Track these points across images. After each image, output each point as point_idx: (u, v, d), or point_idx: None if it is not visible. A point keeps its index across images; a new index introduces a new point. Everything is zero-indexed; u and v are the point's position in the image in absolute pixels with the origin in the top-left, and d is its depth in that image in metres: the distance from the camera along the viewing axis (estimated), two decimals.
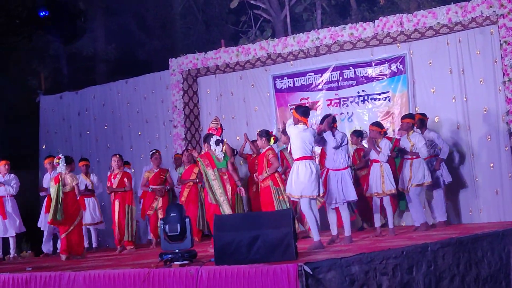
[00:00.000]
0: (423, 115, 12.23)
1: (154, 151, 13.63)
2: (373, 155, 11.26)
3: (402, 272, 8.22)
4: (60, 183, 11.66)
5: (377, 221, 11.35)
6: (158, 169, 13.45)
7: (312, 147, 9.87)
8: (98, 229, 14.34)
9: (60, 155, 11.98)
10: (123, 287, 8.09)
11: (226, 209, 10.55)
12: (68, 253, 11.59)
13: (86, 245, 13.81)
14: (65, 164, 11.75)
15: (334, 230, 10.36)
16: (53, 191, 11.69)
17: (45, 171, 14.20)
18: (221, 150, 10.95)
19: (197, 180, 13.15)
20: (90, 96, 17.30)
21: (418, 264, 8.50)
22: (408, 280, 8.29)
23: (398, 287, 8.11)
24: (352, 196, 10.30)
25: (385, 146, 11.22)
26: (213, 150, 11.01)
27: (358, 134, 12.50)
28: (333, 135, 10.19)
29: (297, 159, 9.75)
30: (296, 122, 9.83)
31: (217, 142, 10.95)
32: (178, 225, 8.29)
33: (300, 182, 9.68)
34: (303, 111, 9.95)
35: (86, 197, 13.77)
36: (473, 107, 12.71)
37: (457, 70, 12.84)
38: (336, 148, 10.22)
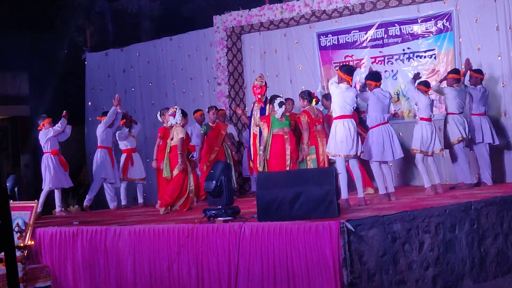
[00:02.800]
0: (475, 71, 12.06)
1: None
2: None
3: (444, 230, 8.23)
4: (170, 137, 11.58)
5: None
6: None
7: (353, 107, 9.87)
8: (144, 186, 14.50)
9: (175, 106, 11.99)
10: (167, 242, 8.23)
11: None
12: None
13: (124, 201, 14.05)
14: (181, 115, 11.56)
15: (381, 189, 10.32)
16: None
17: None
18: (284, 111, 11.28)
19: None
20: (135, 53, 17.40)
21: (461, 222, 8.50)
22: (451, 238, 8.30)
23: (440, 245, 8.13)
24: (370, 155, 10.29)
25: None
26: (276, 111, 11.25)
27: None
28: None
29: (336, 118, 9.74)
30: (340, 80, 9.81)
31: (281, 104, 11.22)
32: (213, 182, 8.39)
33: (338, 141, 9.69)
34: (347, 69, 9.95)
35: (133, 152, 13.99)
36: None
37: (504, 27, 12.61)
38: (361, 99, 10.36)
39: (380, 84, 10.42)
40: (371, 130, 10.26)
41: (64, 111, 12.99)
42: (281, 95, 14.48)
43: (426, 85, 11.47)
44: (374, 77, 10.46)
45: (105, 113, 13.90)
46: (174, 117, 11.49)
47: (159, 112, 12.56)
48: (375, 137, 10.18)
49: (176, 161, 11.31)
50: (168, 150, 11.51)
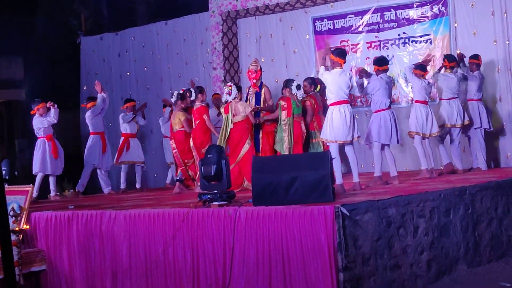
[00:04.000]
0: (472, 57, 12.10)
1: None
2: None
3: (439, 214, 8.26)
4: (230, 113, 11.46)
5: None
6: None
7: (348, 91, 9.86)
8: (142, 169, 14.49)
9: (230, 83, 11.94)
10: (162, 226, 8.24)
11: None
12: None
13: (123, 185, 14.04)
14: (237, 92, 11.59)
15: (377, 171, 10.40)
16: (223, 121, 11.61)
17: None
18: (301, 94, 11.32)
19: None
20: (130, 37, 17.36)
21: (456, 207, 8.53)
22: (445, 222, 8.33)
23: (435, 230, 8.16)
24: (376, 137, 10.43)
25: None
26: (294, 94, 11.27)
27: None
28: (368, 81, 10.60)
29: (332, 104, 9.72)
30: (332, 64, 9.79)
31: (298, 87, 11.25)
32: (214, 166, 8.33)
33: (334, 127, 9.68)
34: (340, 52, 9.98)
35: (131, 137, 13.99)
36: None
37: (500, 12, 12.61)
38: (364, 93, 10.70)
39: (387, 69, 10.55)
40: (378, 114, 10.40)
41: (50, 102, 12.90)
42: (276, 80, 14.56)
43: (422, 69, 11.47)
44: (381, 62, 10.66)
45: (89, 99, 13.85)
46: (231, 95, 11.55)
47: (193, 91, 12.40)
48: (382, 120, 10.33)
49: (242, 134, 11.38)
50: (231, 127, 11.44)
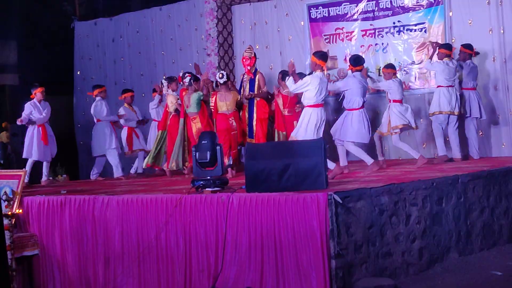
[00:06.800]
0: (465, 46, 12.15)
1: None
2: None
3: (431, 203, 8.28)
4: None
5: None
6: None
7: (325, 95, 10.05)
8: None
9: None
10: (155, 212, 8.24)
11: None
12: None
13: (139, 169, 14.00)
14: None
15: (368, 161, 10.49)
16: None
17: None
18: None
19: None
20: (125, 23, 17.27)
21: (448, 195, 8.55)
22: (437, 211, 8.36)
23: (427, 218, 8.19)
24: (349, 136, 10.53)
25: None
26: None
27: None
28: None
29: (311, 106, 9.88)
30: (314, 66, 9.89)
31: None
32: (208, 152, 8.32)
33: (308, 127, 9.85)
34: (322, 55, 10.19)
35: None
36: (510, 39, 12.51)
37: (495, 2, 12.59)
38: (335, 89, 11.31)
39: (361, 69, 10.73)
40: (351, 112, 10.53)
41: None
42: (270, 67, 14.55)
43: (393, 67, 11.72)
44: (355, 61, 10.80)
45: (95, 86, 13.81)
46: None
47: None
48: (355, 119, 10.46)
49: None
50: None
